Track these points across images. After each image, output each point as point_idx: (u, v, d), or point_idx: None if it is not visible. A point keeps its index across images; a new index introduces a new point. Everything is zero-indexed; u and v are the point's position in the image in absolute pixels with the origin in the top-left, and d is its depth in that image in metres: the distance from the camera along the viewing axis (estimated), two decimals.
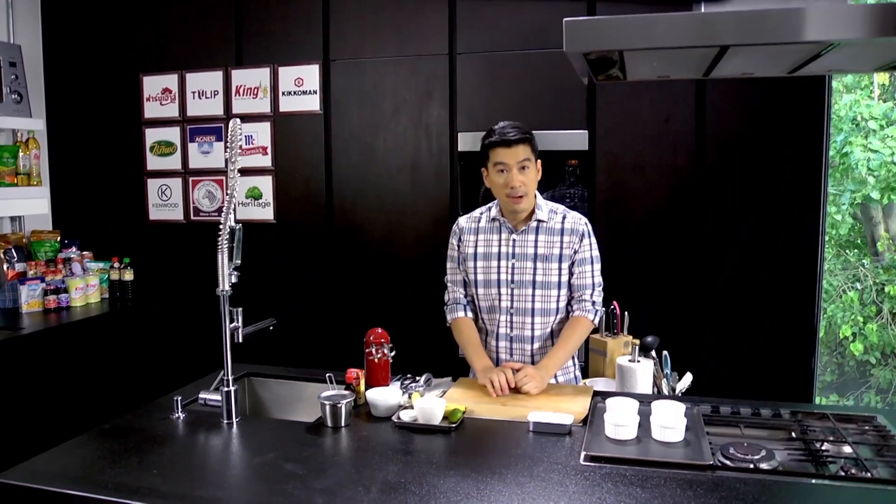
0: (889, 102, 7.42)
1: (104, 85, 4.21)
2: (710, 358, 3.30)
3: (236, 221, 2.21)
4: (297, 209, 3.91)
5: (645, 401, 2.10)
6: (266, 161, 3.92)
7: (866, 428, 2.05)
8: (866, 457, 1.82)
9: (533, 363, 2.49)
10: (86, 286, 3.92)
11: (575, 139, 3.42)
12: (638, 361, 2.46)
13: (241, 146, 2.15)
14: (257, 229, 3.95)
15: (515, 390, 2.31)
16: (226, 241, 2.17)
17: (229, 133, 2.12)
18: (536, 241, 2.47)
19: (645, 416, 1.99)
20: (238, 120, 2.14)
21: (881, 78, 8.05)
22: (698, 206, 3.33)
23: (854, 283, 7.71)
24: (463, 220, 2.60)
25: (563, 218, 2.49)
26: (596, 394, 2.32)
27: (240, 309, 2.19)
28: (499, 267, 2.50)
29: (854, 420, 2.11)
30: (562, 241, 2.46)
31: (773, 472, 1.76)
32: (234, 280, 2.21)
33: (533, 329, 2.49)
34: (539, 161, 2.45)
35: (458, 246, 2.58)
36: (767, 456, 1.82)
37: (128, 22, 4.14)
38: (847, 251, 8.08)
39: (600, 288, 2.52)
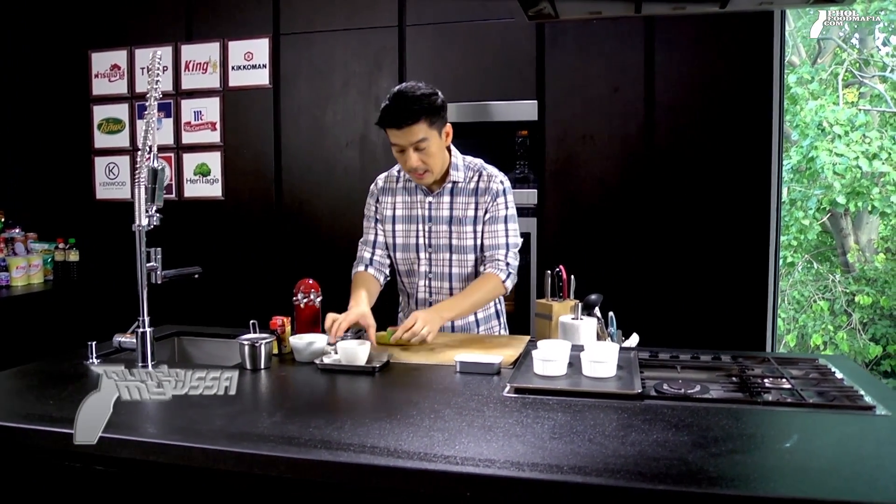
0: (853, 108, 7.50)
1: (51, 61, 4.13)
2: (660, 323, 3.24)
3: (158, 164, 2.12)
4: (246, 185, 3.84)
5: (580, 350, 2.02)
6: (215, 137, 3.85)
7: (807, 368, 1.98)
8: (802, 388, 1.75)
9: (453, 327, 2.41)
10: (28, 266, 3.80)
11: (524, 109, 3.38)
12: (581, 319, 2.38)
13: (158, 80, 2.07)
14: (206, 206, 3.87)
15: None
16: (143, 179, 2.08)
17: (150, 66, 2.05)
18: (452, 203, 2.33)
19: (577, 359, 1.92)
20: (159, 52, 2.08)
21: (850, 96, 8.17)
22: (649, 175, 3.29)
23: (825, 294, 7.73)
24: (381, 180, 2.46)
25: (479, 177, 2.33)
26: (529, 344, 2.23)
27: (158, 249, 2.10)
28: (417, 231, 2.37)
29: (794, 362, 2.05)
30: (476, 203, 2.31)
31: (703, 399, 1.68)
32: (156, 223, 2.12)
33: (451, 294, 2.37)
34: (447, 126, 2.26)
35: (376, 207, 2.44)
36: (702, 390, 1.75)
37: None
38: (819, 263, 8.13)
39: (516, 250, 2.35)
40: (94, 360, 2.07)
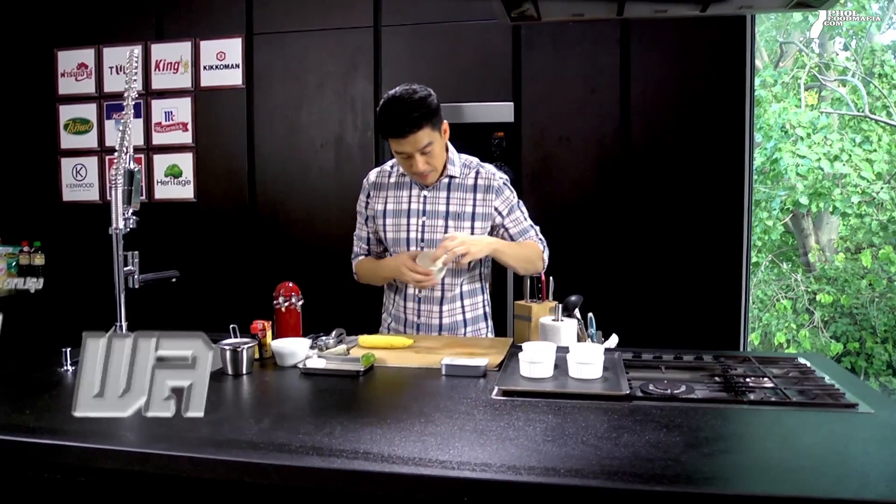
0: (815, 111, 7.67)
1: (16, 59, 4.02)
2: (636, 323, 3.26)
3: (134, 165, 2.08)
4: (219, 187, 3.78)
5: (560, 351, 2.02)
6: (186, 138, 3.78)
7: (787, 367, 2.02)
8: (785, 387, 1.78)
9: (440, 326, 2.39)
10: None
11: (501, 111, 3.38)
12: (561, 321, 2.38)
13: (135, 79, 2.03)
14: (177, 208, 3.80)
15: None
16: (120, 180, 2.04)
17: (127, 64, 2.00)
18: (448, 198, 2.32)
19: (562, 359, 1.92)
20: (136, 50, 2.03)
21: (810, 99, 8.35)
22: (624, 176, 3.32)
23: (787, 293, 7.88)
24: (373, 175, 2.43)
25: (477, 173, 2.34)
26: (513, 347, 2.23)
27: (136, 252, 2.05)
28: (408, 225, 2.35)
29: (775, 361, 2.08)
30: (475, 199, 2.32)
31: (690, 399, 1.70)
32: (132, 226, 2.07)
33: (442, 290, 2.36)
34: (444, 123, 2.26)
35: (368, 203, 2.42)
36: (687, 390, 1.76)
37: None
38: (781, 263, 8.29)
39: (538, 229, 2.41)
40: (69, 368, 2.01)
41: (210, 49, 3.75)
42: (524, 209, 2.40)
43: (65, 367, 2.01)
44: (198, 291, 3.73)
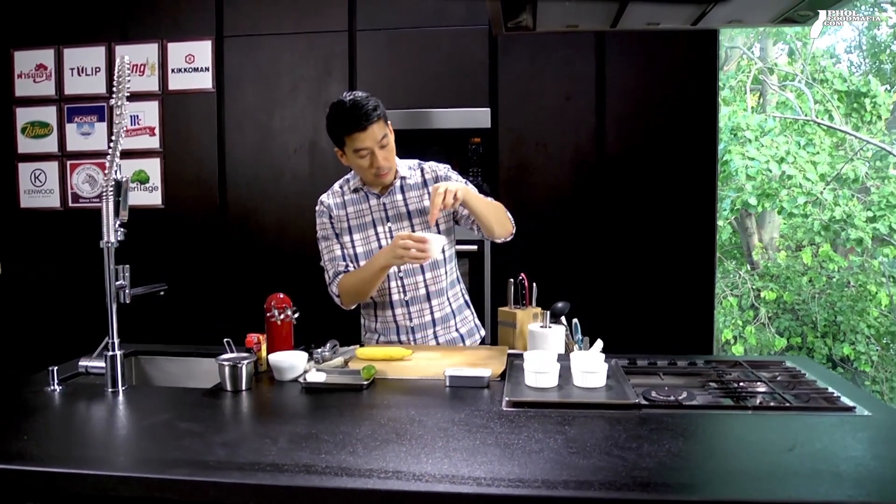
0: (762, 114, 7.92)
1: None
2: (615, 326, 3.31)
3: (121, 174, 2.02)
4: (188, 193, 3.67)
5: (561, 360, 2.05)
6: (154, 143, 3.67)
7: (777, 371, 2.08)
8: (782, 391, 1.84)
9: (433, 322, 2.41)
10: None
11: (477, 117, 3.39)
12: (549, 327, 2.40)
13: (128, 86, 1.96)
14: (144, 215, 3.66)
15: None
16: (111, 193, 1.97)
17: (116, 70, 1.94)
18: (405, 199, 2.37)
19: (564, 368, 1.94)
20: (126, 57, 1.97)
21: (751, 102, 8.62)
22: (600, 183, 3.37)
23: (733, 290, 8.11)
24: (326, 198, 2.44)
25: (422, 170, 2.40)
26: (511, 356, 2.25)
27: (127, 266, 1.99)
28: (376, 234, 2.37)
29: (765, 365, 2.15)
30: (429, 192, 2.34)
31: (696, 406, 1.74)
32: (121, 237, 2.01)
33: (427, 286, 2.38)
34: (388, 122, 2.29)
35: (332, 223, 2.40)
36: (689, 396, 1.80)
37: None
38: (726, 261, 8.53)
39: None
40: (56, 388, 1.93)
41: (178, 51, 3.63)
42: (473, 187, 2.40)
43: (52, 387, 1.93)
44: (166, 300, 3.61)
